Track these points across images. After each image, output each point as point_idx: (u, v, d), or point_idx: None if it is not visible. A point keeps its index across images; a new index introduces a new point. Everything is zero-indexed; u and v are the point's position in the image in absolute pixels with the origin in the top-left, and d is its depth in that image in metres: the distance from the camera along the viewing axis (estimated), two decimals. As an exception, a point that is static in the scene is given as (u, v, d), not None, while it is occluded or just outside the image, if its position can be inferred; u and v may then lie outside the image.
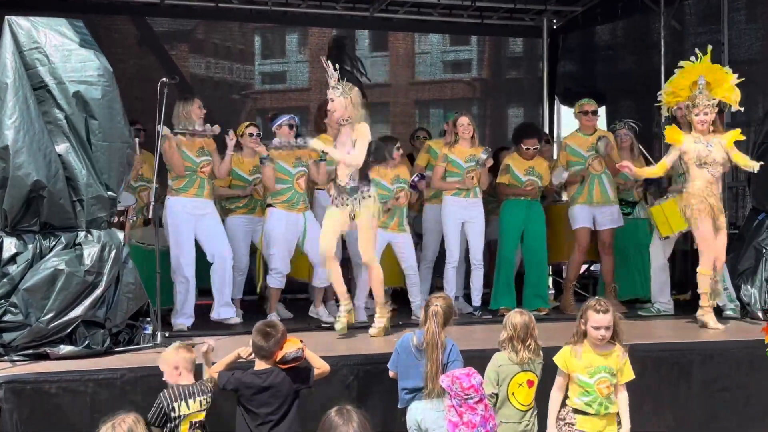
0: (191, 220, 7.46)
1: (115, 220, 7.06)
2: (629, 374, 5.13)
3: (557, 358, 5.11)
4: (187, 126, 7.45)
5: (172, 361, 4.99)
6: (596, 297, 5.22)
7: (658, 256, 8.26)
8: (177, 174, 7.46)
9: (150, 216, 6.93)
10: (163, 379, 5.01)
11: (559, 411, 5.11)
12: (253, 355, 5.05)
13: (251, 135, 8.04)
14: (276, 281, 7.81)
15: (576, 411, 5.04)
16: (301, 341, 5.14)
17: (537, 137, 8.59)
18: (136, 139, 7.05)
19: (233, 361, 5.14)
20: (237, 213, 8.14)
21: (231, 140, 7.59)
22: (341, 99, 6.79)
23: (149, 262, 7.25)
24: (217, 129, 7.58)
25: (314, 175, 7.83)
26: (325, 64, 6.87)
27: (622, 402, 5.09)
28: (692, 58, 7.46)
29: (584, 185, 8.41)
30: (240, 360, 5.15)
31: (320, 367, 5.17)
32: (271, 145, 7.70)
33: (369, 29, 11.78)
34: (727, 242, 7.44)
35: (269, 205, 7.78)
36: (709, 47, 7.37)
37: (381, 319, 7.08)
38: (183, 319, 7.39)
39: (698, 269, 7.36)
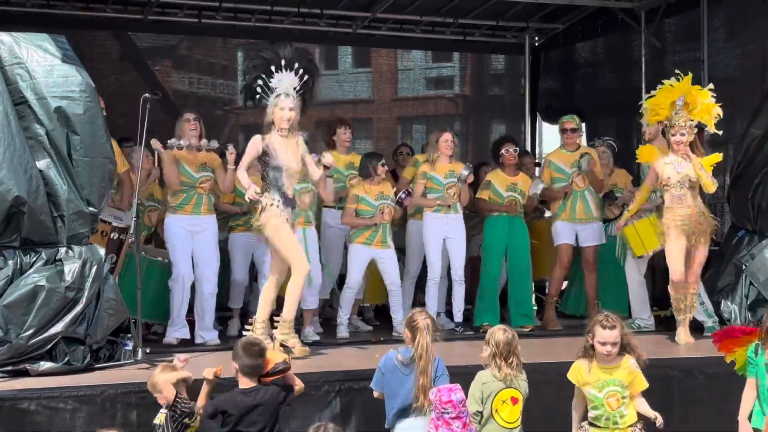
0: (188, 237, 7.36)
1: (116, 237, 7.03)
2: (642, 384, 5.09)
3: (570, 375, 5.13)
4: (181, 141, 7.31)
5: (171, 384, 4.94)
6: (605, 312, 5.16)
7: (634, 274, 8.28)
8: (171, 188, 7.40)
9: (133, 232, 6.85)
10: (160, 401, 4.93)
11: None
12: (223, 372, 5.01)
13: None
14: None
15: (591, 423, 5.08)
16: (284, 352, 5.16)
17: (513, 142, 8.69)
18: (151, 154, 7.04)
19: (211, 390, 5.05)
20: (238, 230, 8.08)
21: (231, 154, 7.27)
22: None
23: (153, 272, 7.39)
24: (214, 144, 7.38)
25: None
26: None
27: (640, 404, 5.08)
28: (672, 78, 7.50)
29: (567, 202, 8.46)
30: (218, 379, 5.10)
31: (297, 384, 5.18)
32: None
33: (352, 45, 11.85)
34: (706, 259, 7.50)
35: None
36: (690, 73, 7.41)
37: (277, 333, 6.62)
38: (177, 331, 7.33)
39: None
